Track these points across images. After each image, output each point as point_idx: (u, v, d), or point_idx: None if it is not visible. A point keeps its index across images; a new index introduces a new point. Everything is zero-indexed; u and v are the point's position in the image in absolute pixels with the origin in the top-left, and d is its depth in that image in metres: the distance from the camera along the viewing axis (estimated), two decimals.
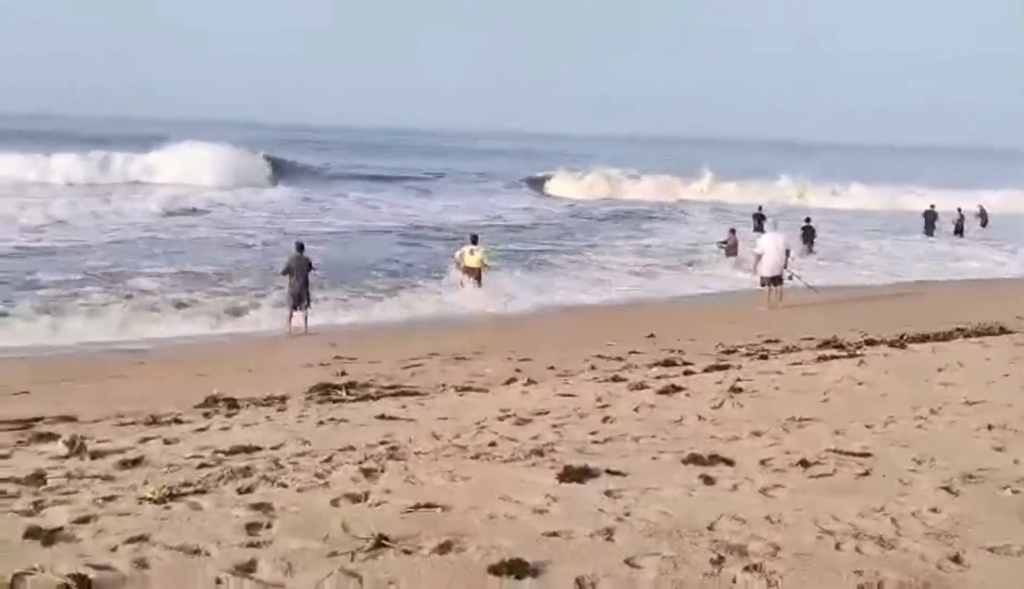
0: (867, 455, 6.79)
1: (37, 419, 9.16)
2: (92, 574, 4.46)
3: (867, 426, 7.77)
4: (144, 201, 39.92)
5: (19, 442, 7.88)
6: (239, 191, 46.03)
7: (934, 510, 5.52)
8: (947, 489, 5.94)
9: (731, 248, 29.07)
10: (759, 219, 35.41)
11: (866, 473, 6.35)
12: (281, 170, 58.38)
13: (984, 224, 43.32)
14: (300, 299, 18.96)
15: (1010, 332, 14.65)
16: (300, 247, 20.04)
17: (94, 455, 7.10)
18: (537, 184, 61.33)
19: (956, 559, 4.83)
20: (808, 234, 31.80)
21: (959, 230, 40.36)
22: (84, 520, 5.31)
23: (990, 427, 7.62)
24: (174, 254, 26.44)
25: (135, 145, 58.37)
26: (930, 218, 40.34)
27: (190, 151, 54.81)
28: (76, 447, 7.22)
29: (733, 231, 30.41)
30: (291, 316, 18.81)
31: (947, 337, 14.15)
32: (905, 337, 14.12)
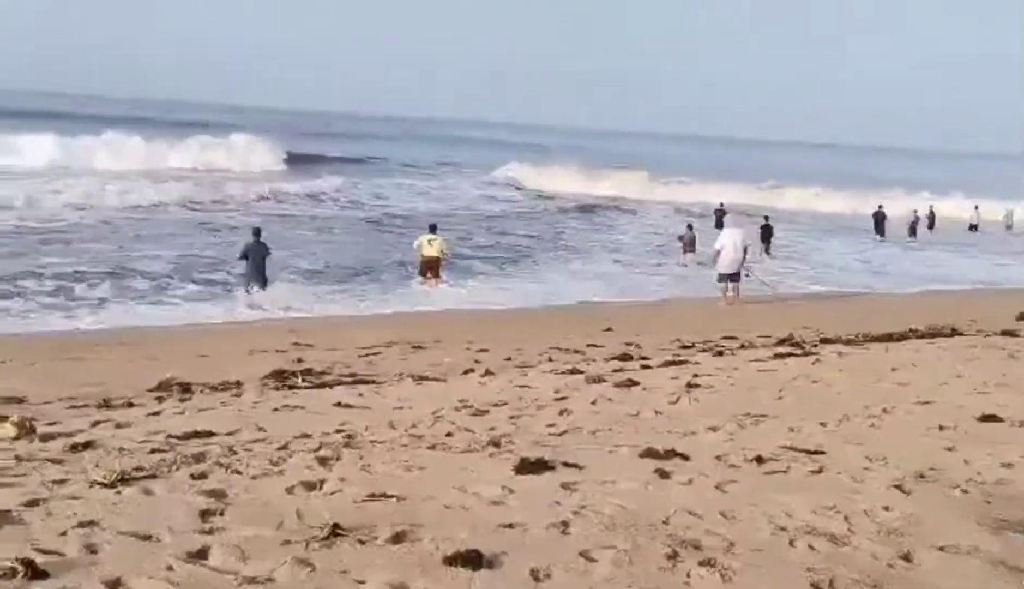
0: (820, 453, 6.84)
1: None
2: (40, 559, 4.37)
3: (821, 424, 7.83)
4: (224, 188, 39.50)
5: None
6: (293, 181, 45.32)
7: (886, 508, 5.58)
8: (899, 488, 6.00)
9: (688, 243, 29.24)
10: (720, 214, 35.71)
11: (819, 470, 6.41)
12: (305, 160, 58.06)
13: (931, 226, 44.07)
14: (254, 282, 18.94)
15: (962, 334, 14.85)
16: (257, 232, 20.01)
17: (44, 438, 6.99)
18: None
19: (906, 557, 4.88)
20: (766, 233, 32.10)
21: (912, 231, 41.03)
22: (33, 503, 5.22)
23: (941, 427, 7.71)
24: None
25: (171, 131, 58.11)
26: (879, 219, 40.97)
27: (231, 141, 55.76)
28: (25, 429, 7.10)
29: (690, 226, 30.61)
30: (247, 291, 18.82)
31: (901, 337, 14.30)
32: (860, 336, 14.28)
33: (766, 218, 33.44)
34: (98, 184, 36.34)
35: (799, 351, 12.66)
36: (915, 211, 43.04)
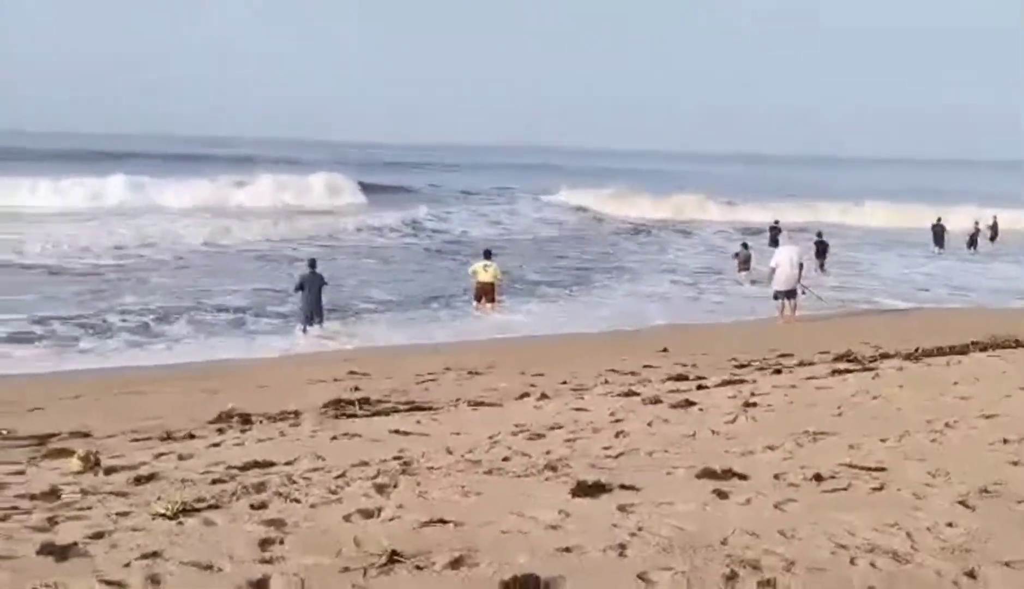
0: (882, 469, 6.75)
1: (52, 435, 9.21)
2: None
3: (881, 440, 7.72)
4: (296, 223, 39.84)
5: (33, 458, 7.92)
6: (368, 215, 45.65)
7: (950, 524, 5.48)
8: (963, 503, 5.89)
9: (744, 262, 29.02)
10: (775, 232, 35.43)
11: (880, 487, 6.31)
12: (372, 192, 58.53)
13: (993, 238, 43.24)
14: (313, 315, 19.18)
15: None
16: (312, 264, 20.28)
17: (108, 471, 7.12)
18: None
19: (972, 574, 4.78)
20: (821, 249, 31.77)
21: (973, 243, 40.37)
22: (98, 536, 5.32)
23: (1006, 441, 7.56)
24: None
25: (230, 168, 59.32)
26: (938, 232, 40.35)
27: (291, 178, 56.31)
28: (90, 463, 7.24)
29: (745, 245, 30.38)
30: (304, 331, 19.00)
31: (962, 350, 14.08)
32: (919, 350, 14.07)
33: (819, 234, 33.08)
34: (169, 221, 37.19)
35: (858, 367, 12.52)
36: (976, 222, 42.31)
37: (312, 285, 19.43)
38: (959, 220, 43.24)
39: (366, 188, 59.45)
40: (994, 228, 44.55)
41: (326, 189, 56.52)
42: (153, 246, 31.56)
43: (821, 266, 30.82)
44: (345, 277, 25.70)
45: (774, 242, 33.24)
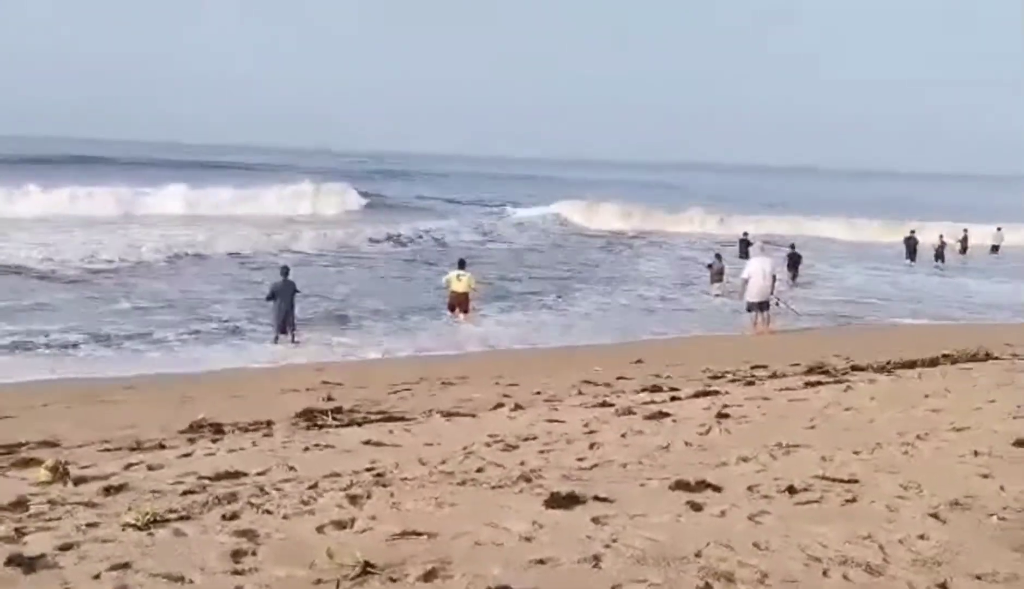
0: (854, 481, 6.78)
1: (20, 445, 9.09)
2: None
3: (854, 452, 7.76)
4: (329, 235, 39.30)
5: (1, 468, 7.81)
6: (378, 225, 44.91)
7: (921, 537, 5.51)
8: (934, 516, 5.93)
9: (717, 273, 29.17)
10: (744, 244, 35.74)
11: (853, 499, 6.34)
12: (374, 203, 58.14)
13: (963, 251, 43.77)
14: (285, 323, 19.10)
15: (996, 358, 14.70)
16: (285, 271, 20.20)
17: (77, 481, 7.04)
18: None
19: (943, 586, 4.81)
20: (794, 261, 32.01)
21: (939, 256, 40.81)
22: (67, 547, 5.26)
23: (976, 453, 7.61)
24: None
25: (229, 177, 58.99)
26: (911, 244, 40.77)
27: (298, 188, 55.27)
28: (59, 473, 7.15)
29: (719, 256, 30.55)
30: (276, 339, 18.92)
31: (933, 363, 14.18)
32: (891, 363, 14.16)
33: (792, 246, 33.33)
34: (155, 229, 36.94)
35: (830, 379, 12.58)
36: (940, 236, 42.75)
37: (284, 293, 19.35)
38: (931, 234, 43.63)
39: (360, 196, 58.91)
40: (964, 241, 45.14)
41: (322, 197, 55.51)
42: (135, 255, 31.15)
43: (793, 278, 31.03)
44: (332, 286, 25.65)
45: (744, 254, 33.54)
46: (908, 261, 40.05)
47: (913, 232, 42.06)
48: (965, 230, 46.54)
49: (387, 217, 49.16)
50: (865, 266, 38.98)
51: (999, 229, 48.88)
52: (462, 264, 23.63)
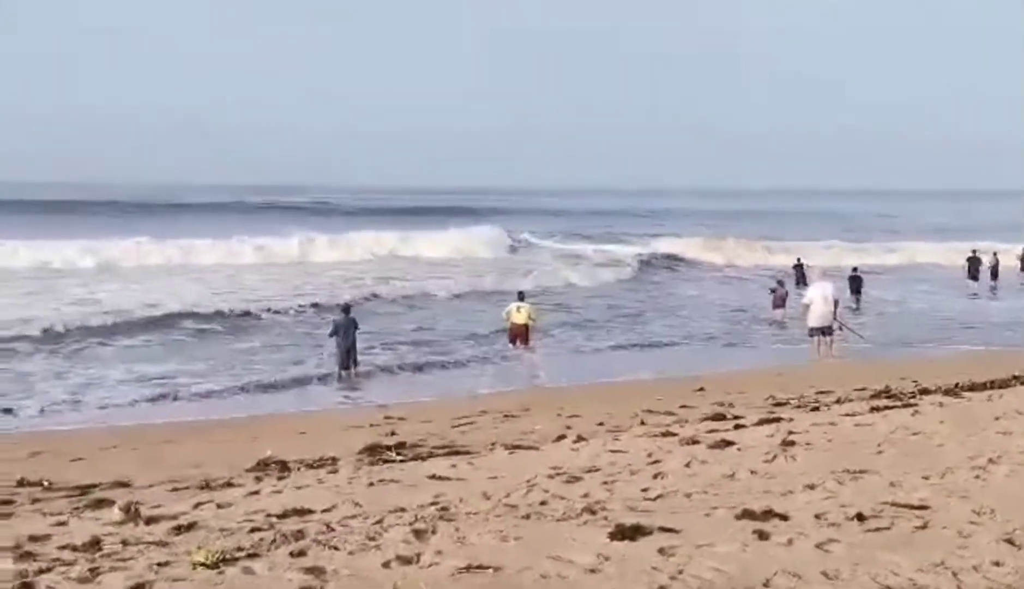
0: (925, 507, 6.67)
1: (93, 486, 9.29)
2: None
3: (924, 477, 7.63)
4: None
5: (75, 509, 8.00)
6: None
7: (996, 563, 5.41)
8: (1009, 541, 5.81)
9: (779, 299, 28.87)
10: (799, 270, 35.47)
11: (924, 526, 6.24)
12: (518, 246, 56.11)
13: (994, 275, 42.18)
14: (348, 359, 19.30)
15: None
16: (346, 309, 20.43)
17: (148, 521, 7.17)
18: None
19: None
20: (855, 283, 31.61)
21: (995, 274, 39.93)
22: (139, 587, 5.37)
23: None
24: None
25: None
26: (974, 264, 39.93)
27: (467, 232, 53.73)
28: (131, 513, 7.30)
29: (781, 282, 30.23)
30: (340, 376, 19.12)
31: (1003, 384, 13.90)
32: (960, 385, 13.91)
33: (855, 269, 32.91)
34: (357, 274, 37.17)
35: (897, 403, 12.40)
36: (994, 253, 41.50)
37: (346, 330, 19.58)
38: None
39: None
40: (995, 265, 43.89)
41: (474, 239, 52.72)
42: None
43: (856, 302, 30.63)
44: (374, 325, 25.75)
45: (800, 281, 33.24)
46: (970, 282, 39.14)
47: (974, 251, 41.14)
48: (995, 253, 44.85)
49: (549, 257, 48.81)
50: (927, 288, 38.20)
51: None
52: (521, 296, 23.77)
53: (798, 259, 38.27)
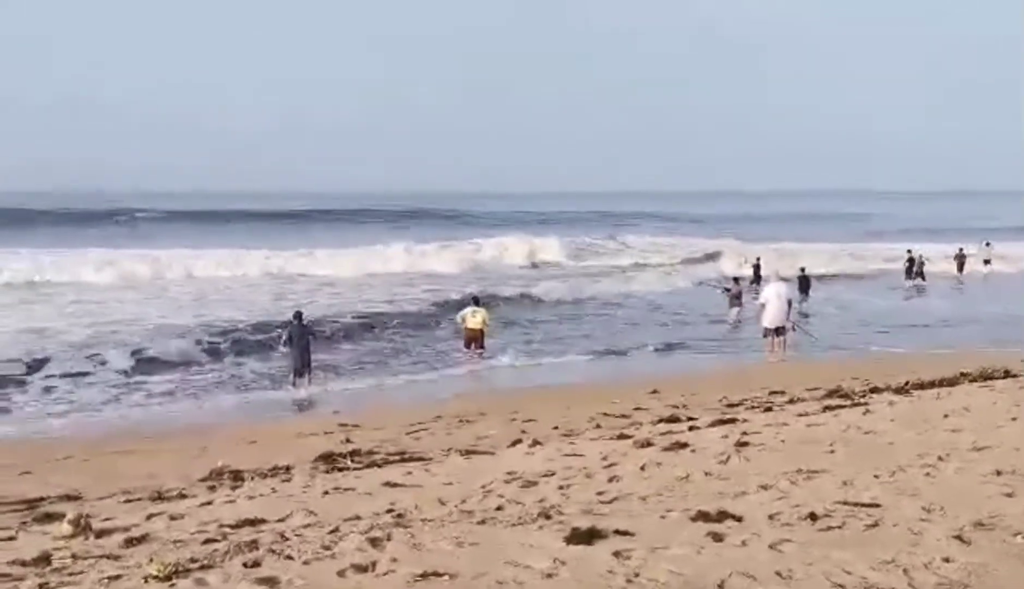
0: (876, 506, 6.74)
1: (41, 499, 9.15)
2: None
3: (875, 476, 7.72)
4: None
5: (23, 523, 7.86)
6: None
7: (946, 560, 5.48)
8: (958, 538, 5.89)
9: (735, 297, 29.08)
10: (756, 269, 35.81)
11: (875, 524, 6.31)
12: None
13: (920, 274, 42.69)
14: (302, 367, 19.16)
15: (1015, 376, 14.62)
16: (298, 316, 20.22)
17: (99, 534, 7.07)
18: None
19: None
20: (804, 284, 32.03)
21: (920, 274, 40.60)
22: None
23: (999, 472, 7.57)
24: None
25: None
26: (911, 265, 40.75)
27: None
28: (81, 526, 7.19)
29: (737, 280, 30.50)
30: (294, 384, 18.99)
31: (952, 382, 14.12)
32: (909, 384, 14.10)
33: (803, 270, 33.33)
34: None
35: (848, 402, 12.55)
36: (909, 251, 42.15)
37: (299, 337, 19.45)
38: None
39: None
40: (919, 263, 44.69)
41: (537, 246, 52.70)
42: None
43: (804, 300, 30.99)
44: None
45: (757, 279, 33.58)
46: (907, 282, 39.93)
47: (909, 251, 41.93)
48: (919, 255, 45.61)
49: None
50: (872, 288, 38.72)
51: (987, 244, 48.57)
52: (476, 301, 23.91)
53: (757, 259, 38.63)
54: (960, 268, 43.92)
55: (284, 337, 19.83)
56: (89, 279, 37.02)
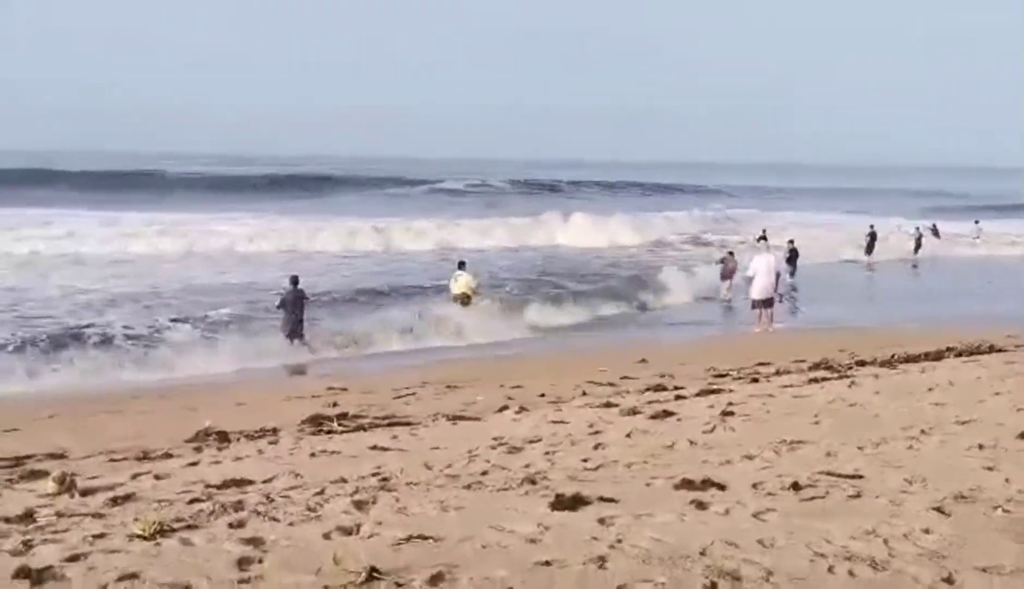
0: (859, 477, 6.79)
1: (27, 457, 9.13)
2: None
3: (859, 447, 7.77)
4: None
5: (8, 480, 7.85)
6: None
7: (926, 531, 5.52)
8: (939, 510, 5.94)
9: (728, 271, 29.01)
10: (761, 242, 35.77)
11: (858, 495, 6.35)
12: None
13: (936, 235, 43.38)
14: (294, 332, 19.17)
15: (1000, 350, 14.70)
16: (295, 281, 20.16)
17: (84, 492, 7.07)
18: None
19: (949, 580, 4.83)
20: (793, 257, 32.04)
21: (869, 249, 40.90)
22: (74, 559, 5.28)
23: (981, 446, 7.62)
24: None
25: None
26: (871, 240, 41.03)
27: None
28: (66, 484, 7.18)
29: (732, 253, 30.47)
30: (291, 343, 19.06)
31: (937, 356, 14.19)
32: (896, 357, 14.16)
33: (791, 242, 33.34)
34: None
35: (834, 375, 12.59)
36: (871, 226, 42.30)
37: (294, 302, 19.45)
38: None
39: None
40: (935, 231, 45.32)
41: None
42: None
43: (790, 274, 30.98)
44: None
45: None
46: (865, 257, 40.32)
47: (872, 226, 42.08)
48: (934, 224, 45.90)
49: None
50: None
51: (977, 222, 49.06)
52: (462, 265, 23.94)
53: (763, 230, 38.49)
54: (916, 248, 43.79)
55: (279, 301, 19.84)
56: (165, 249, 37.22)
